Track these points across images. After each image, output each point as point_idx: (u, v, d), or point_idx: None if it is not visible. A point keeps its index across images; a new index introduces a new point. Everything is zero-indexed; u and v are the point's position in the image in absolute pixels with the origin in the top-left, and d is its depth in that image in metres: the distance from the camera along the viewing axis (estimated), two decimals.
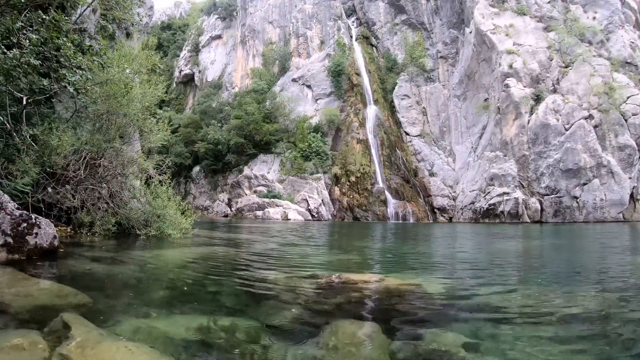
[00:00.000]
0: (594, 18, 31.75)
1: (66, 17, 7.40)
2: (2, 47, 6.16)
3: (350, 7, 47.48)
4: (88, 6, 9.29)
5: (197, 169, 42.76)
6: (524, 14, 33.20)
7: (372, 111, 39.24)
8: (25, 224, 4.32)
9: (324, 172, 35.28)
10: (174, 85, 56.50)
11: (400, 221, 31.16)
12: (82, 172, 7.28)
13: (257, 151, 38.16)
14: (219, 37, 56.18)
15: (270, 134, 37.62)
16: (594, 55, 29.60)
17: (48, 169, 6.92)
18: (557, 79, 29.90)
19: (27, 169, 6.18)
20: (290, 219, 28.40)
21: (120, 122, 8.27)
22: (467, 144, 34.56)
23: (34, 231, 4.38)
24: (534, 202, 27.34)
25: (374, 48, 44.18)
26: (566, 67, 30.19)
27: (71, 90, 7.12)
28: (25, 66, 6.19)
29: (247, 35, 49.08)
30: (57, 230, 4.97)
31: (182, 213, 8.75)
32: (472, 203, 29.77)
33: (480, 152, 31.90)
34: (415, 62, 39.62)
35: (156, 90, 9.19)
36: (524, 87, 29.37)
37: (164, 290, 3.74)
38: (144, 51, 10.95)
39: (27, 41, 6.36)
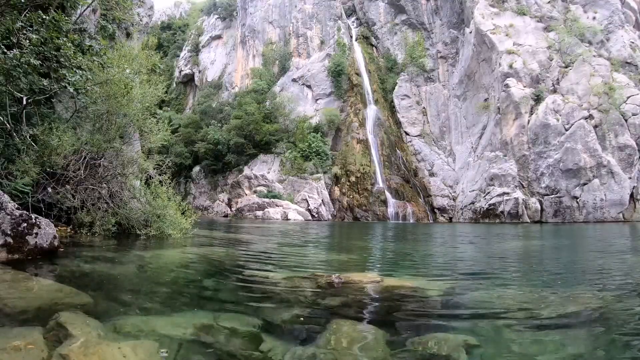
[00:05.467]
0: (594, 18, 31.75)
1: (66, 17, 7.40)
2: (2, 47, 6.16)
3: (350, 7, 47.49)
4: (88, 6, 9.29)
5: (197, 169, 42.77)
6: (524, 14, 33.21)
7: (372, 111, 39.24)
8: (25, 224, 4.32)
9: (324, 172, 35.28)
10: (174, 85, 56.53)
11: (400, 221, 31.16)
12: (82, 172, 7.29)
13: (257, 151, 38.16)
14: (219, 37, 56.20)
15: (270, 134, 37.63)
16: (594, 55, 29.60)
17: (48, 169, 6.92)
18: (557, 79, 29.90)
19: (27, 169, 6.18)
20: (290, 219, 28.39)
21: (120, 122, 8.27)
22: (467, 144, 34.57)
23: (34, 231, 4.39)
24: (534, 202, 27.34)
25: (374, 48, 44.18)
26: (566, 67, 30.19)
27: (71, 90, 7.12)
28: (25, 66, 6.20)
29: (247, 35, 49.09)
30: (57, 230, 4.97)
31: (182, 213, 8.75)
32: (472, 203, 29.78)
33: (480, 152, 31.90)
34: (415, 62, 39.62)
35: (156, 90, 9.18)
36: (524, 87, 29.37)
37: (164, 290, 3.74)
38: (144, 51, 10.94)
39: (27, 41, 6.36)
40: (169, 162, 9.87)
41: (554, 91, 29.32)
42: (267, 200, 31.90)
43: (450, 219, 31.96)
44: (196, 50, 57.23)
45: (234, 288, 3.91)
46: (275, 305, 3.19)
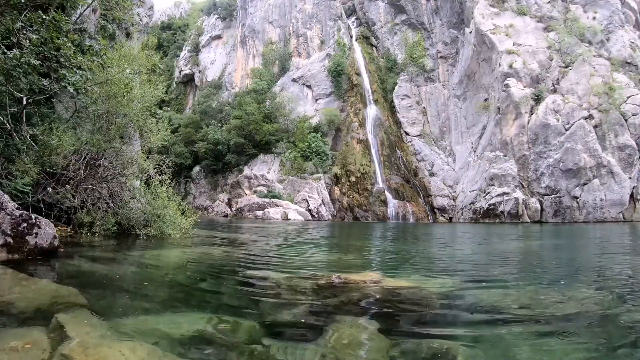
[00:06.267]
0: (594, 18, 31.76)
1: (66, 17, 7.40)
2: (2, 47, 6.16)
3: (350, 7, 47.50)
4: (88, 6, 9.29)
5: (197, 169, 42.78)
6: (524, 14, 33.23)
7: (372, 111, 39.26)
8: (25, 224, 4.32)
9: (324, 172, 35.28)
10: (174, 85, 56.55)
11: (400, 221, 31.17)
12: (82, 172, 7.29)
13: (257, 151, 38.17)
14: (219, 37, 56.22)
15: (270, 134, 37.63)
16: (594, 55, 29.61)
17: (48, 169, 6.92)
18: (557, 79, 29.91)
19: (27, 169, 6.18)
20: (290, 219, 28.40)
21: (120, 122, 8.27)
22: (467, 144, 34.58)
23: (34, 231, 4.38)
24: (534, 202, 27.34)
25: (374, 48, 44.19)
26: (566, 67, 30.20)
27: (71, 90, 7.13)
28: (25, 66, 6.20)
29: (247, 35, 49.10)
30: (57, 230, 4.97)
31: (182, 213, 8.75)
32: (472, 203, 29.78)
33: (480, 152, 31.91)
34: (415, 62, 39.64)
35: (156, 90, 9.18)
36: (524, 87, 29.38)
37: (164, 290, 3.73)
38: (144, 51, 10.94)
39: (27, 41, 6.37)
40: (169, 162, 9.87)
41: (554, 91, 29.32)
42: (267, 200, 31.90)
43: (450, 219, 31.96)
44: (196, 50, 57.25)
45: (233, 288, 3.90)
46: (275, 305, 3.19)
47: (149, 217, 8.08)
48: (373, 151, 36.65)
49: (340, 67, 39.83)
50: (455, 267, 6.06)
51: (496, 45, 31.40)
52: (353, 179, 35.43)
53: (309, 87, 41.34)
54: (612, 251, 8.67)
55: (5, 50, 6.12)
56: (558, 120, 27.48)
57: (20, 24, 6.38)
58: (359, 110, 39.32)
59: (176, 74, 57.63)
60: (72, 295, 2.98)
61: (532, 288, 4.08)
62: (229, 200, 36.47)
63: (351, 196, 34.89)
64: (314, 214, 31.39)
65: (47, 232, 4.54)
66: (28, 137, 6.75)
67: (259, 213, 30.35)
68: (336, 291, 3.59)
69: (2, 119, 6.45)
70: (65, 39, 6.92)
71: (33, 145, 6.77)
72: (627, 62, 29.71)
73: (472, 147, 33.84)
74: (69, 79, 6.87)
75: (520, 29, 32.28)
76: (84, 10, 9.34)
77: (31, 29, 6.56)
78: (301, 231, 14.64)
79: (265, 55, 46.43)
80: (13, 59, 6.03)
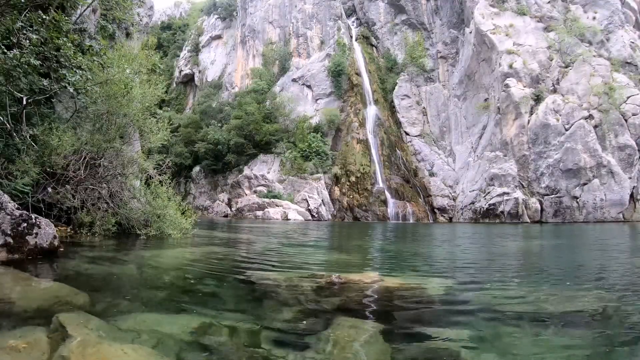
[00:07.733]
0: (594, 18, 31.76)
1: (66, 17, 7.39)
2: (2, 47, 6.16)
3: (350, 7, 47.50)
4: (88, 6, 9.29)
5: (197, 169, 42.77)
6: (524, 14, 33.22)
7: (372, 111, 39.25)
8: (25, 224, 4.32)
9: (324, 172, 35.28)
10: (174, 85, 56.51)
11: (400, 221, 31.16)
12: (82, 172, 7.28)
13: (257, 151, 38.16)
14: (219, 37, 56.21)
15: (270, 134, 37.63)
16: (594, 55, 29.60)
17: (48, 169, 6.92)
18: (557, 79, 29.91)
19: (27, 169, 6.18)
20: (290, 219, 28.40)
21: (120, 122, 8.27)
22: (467, 144, 34.57)
23: (34, 231, 4.38)
24: (534, 202, 27.33)
25: (374, 48, 44.18)
26: (566, 67, 30.20)
27: (71, 90, 7.13)
28: (25, 66, 6.19)
29: (247, 35, 49.09)
30: (57, 230, 4.97)
31: (182, 213, 8.75)
32: (472, 203, 29.77)
33: (480, 152, 31.90)
34: (415, 62, 39.62)
35: (156, 90, 9.17)
36: (524, 87, 29.38)
37: (164, 290, 3.73)
38: (144, 51, 10.94)
39: (27, 41, 6.36)
40: (169, 162, 9.87)
41: (554, 91, 29.32)
42: (267, 200, 31.90)
43: (450, 219, 31.96)
44: (196, 50, 57.23)
45: (233, 288, 3.91)
46: (275, 305, 3.19)
47: (149, 217, 8.08)
48: (373, 151, 36.65)
49: (340, 67, 39.83)
50: (456, 267, 6.06)
51: (496, 45, 31.40)
52: (353, 179, 35.42)
53: (309, 87, 41.33)
54: (612, 251, 8.67)
55: (5, 50, 6.12)
56: (558, 120, 27.48)
57: (20, 24, 6.38)
58: (359, 110, 39.31)
59: (176, 74, 57.61)
60: (72, 295, 2.98)
61: (532, 288, 4.08)
62: (229, 200, 36.47)
63: (351, 196, 34.88)
64: (314, 214, 31.39)
65: (47, 232, 4.54)
66: (28, 137, 6.74)
67: (259, 213, 30.35)
68: (336, 291, 3.59)
69: (2, 119, 6.44)
70: (65, 39, 6.92)
71: (33, 145, 6.77)
72: (627, 62, 29.70)
73: (472, 147, 33.84)
74: (69, 79, 6.87)
75: (520, 29, 32.28)
76: (84, 10, 9.34)
77: (31, 29, 6.55)
78: (301, 231, 14.64)
79: (265, 55, 46.42)
80: (13, 59, 6.03)
